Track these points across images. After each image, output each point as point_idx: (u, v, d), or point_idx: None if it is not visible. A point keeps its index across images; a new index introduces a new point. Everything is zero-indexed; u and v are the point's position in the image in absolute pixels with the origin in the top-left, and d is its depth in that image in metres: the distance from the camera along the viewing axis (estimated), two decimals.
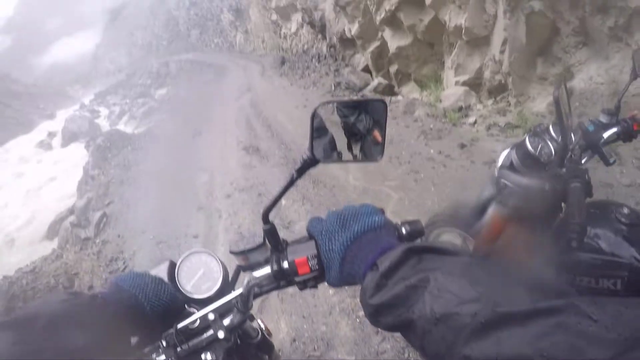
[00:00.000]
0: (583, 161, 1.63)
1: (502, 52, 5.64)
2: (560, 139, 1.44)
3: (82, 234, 7.44)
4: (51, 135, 26.00)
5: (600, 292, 1.41)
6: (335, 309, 3.30)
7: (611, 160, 1.69)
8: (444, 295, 0.58)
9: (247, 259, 1.04)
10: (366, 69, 9.99)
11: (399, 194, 4.61)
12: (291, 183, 0.98)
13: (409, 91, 8.36)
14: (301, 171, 0.98)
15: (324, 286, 2.99)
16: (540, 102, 5.35)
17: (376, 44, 9.07)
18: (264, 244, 1.03)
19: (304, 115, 8.79)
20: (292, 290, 3.31)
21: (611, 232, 1.42)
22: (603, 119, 1.79)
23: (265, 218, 1.01)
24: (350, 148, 1.09)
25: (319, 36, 13.06)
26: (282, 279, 0.98)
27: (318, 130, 1.02)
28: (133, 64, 49.16)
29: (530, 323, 0.48)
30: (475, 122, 5.83)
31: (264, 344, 1.29)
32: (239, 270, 1.13)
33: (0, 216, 15.37)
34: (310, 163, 0.97)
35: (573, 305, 0.47)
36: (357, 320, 3.14)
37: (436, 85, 7.51)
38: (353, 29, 9.60)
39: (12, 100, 39.57)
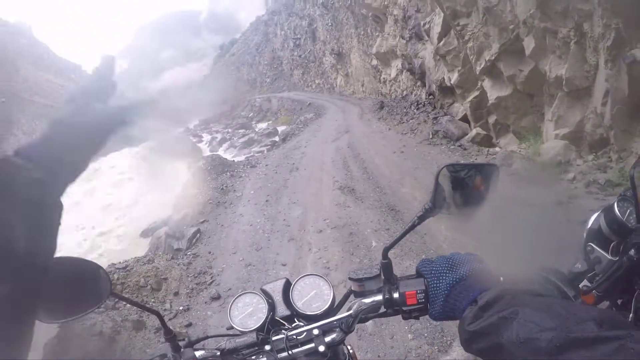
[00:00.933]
0: None
1: (603, 104, 5.49)
2: None
3: (174, 245, 7.85)
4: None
5: None
6: (412, 354, 3.37)
7: None
8: (528, 324, 0.69)
9: (362, 286, 1.16)
10: (464, 119, 9.98)
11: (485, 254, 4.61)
12: (412, 227, 1.11)
13: (507, 143, 8.28)
14: (422, 218, 1.09)
15: (403, 330, 3.21)
16: None
17: (475, 93, 9.10)
18: (379, 275, 1.16)
19: (401, 160, 8.95)
20: (372, 329, 3.48)
21: None
22: None
23: (384, 254, 1.14)
24: (463, 204, 1.17)
25: (418, 83, 13.21)
26: (390, 307, 1.10)
27: (442, 185, 1.12)
28: (237, 97, 51.41)
29: (595, 347, 0.60)
30: (574, 178, 5.71)
31: None
32: (347, 295, 1.24)
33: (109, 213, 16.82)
34: (430, 212, 1.09)
35: (630, 334, 0.59)
36: None
37: (535, 137, 7.36)
38: (452, 78, 9.68)
39: None
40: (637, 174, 1.29)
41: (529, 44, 6.79)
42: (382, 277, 1.15)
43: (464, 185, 1.15)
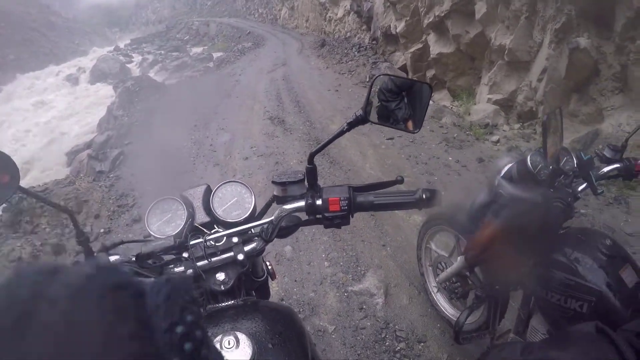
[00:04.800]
0: (580, 188, 1.70)
1: (539, 80, 5.65)
2: (550, 162, 1.51)
3: (97, 167, 7.60)
4: (80, 70, 25.98)
5: (566, 312, 1.51)
6: (327, 280, 3.42)
7: (599, 191, 1.72)
8: None
9: (285, 190, 1.14)
10: (403, 68, 9.95)
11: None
12: (341, 133, 1.10)
13: (441, 98, 8.35)
14: (351, 125, 1.09)
15: (320, 258, 3.11)
16: (565, 137, 5.23)
17: (418, 45, 9.06)
18: (303, 180, 1.14)
19: (335, 98, 8.90)
20: (290, 254, 3.42)
21: (589, 259, 1.51)
22: (607, 153, 1.84)
23: (310, 159, 1.12)
24: (395, 117, 1.22)
25: (364, 27, 13.00)
26: (312, 213, 1.10)
27: (373, 95, 1.14)
28: (174, 18, 49.09)
29: None
30: (498, 141, 5.86)
31: (264, 288, 1.38)
32: (270, 204, 1.24)
33: (21, 139, 15.60)
34: (360, 120, 1.08)
35: None
36: (345, 294, 3.21)
37: (468, 98, 7.51)
38: (399, 27, 9.55)
39: (49, 31, 39.60)
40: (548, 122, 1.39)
41: (480, 8, 6.78)
42: (307, 183, 1.14)
43: (397, 98, 1.19)
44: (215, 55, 21.52)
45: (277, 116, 8.06)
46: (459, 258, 2.26)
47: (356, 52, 11.93)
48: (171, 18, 51.41)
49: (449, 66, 8.10)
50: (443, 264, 2.63)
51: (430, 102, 7.13)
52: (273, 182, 1.15)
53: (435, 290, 2.85)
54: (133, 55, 30.54)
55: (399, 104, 1.21)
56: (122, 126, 9.73)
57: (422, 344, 2.76)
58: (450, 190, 4.68)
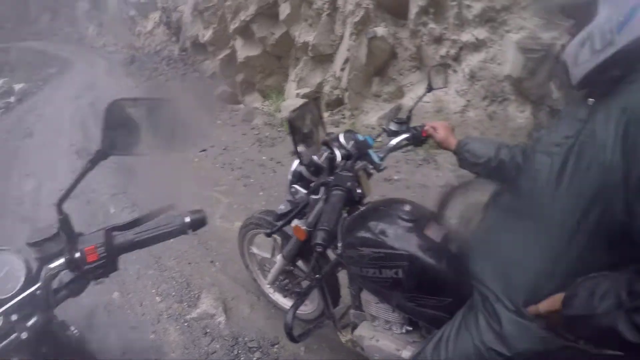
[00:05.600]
0: (357, 167, 1.72)
1: (342, 69, 5.89)
2: (305, 159, 1.53)
3: None
4: None
5: (385, 281, 1.54)
6: (163, 316, 3.14)
7: (381, 167, 1.80)
8: None
9: (43, 250, 1.02)
10: (214, 76, 9.74)
11: (228, 198, 4.57)
12: (84, 173, 1.00)
13: (252, 100, 8.35)
14: (94, 161, 1.00)
15: (150, 294, 2.83)
16: (372, 116, 5.65)
17: (227, 52, 8.95)
18: (58, 234, 1.03)
19: None
20: (119, 300, 3.13)
21: (393, 227, 1.55)
22: (393, 127, 1.99)
23: (59, 209, 1.02)
24: (139, 142, 1.10)
25: (173, 38, 12.48)
26: (75, 269, 0.98)
27: (112, 124, 1.04)
28: None
29: None
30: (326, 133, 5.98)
31: (81, 353, 1.20)
32: (41, 266, 1.04)
33: None
34: (102, 155, 1.00)
35: None
36: (185, 324, 3.04)
37: (278, 96, 7.59)
38: (207, 35, 9.38)
39: None
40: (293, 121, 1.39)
41: (284, 9, 6.94)
42: (64, 235, 1.04)
43: (139, 121, 1.10)
44: (17, 87, 19.08)
45: (84, 148, 7.22)
46: (278, 257, 2.23)
47: (166, 66, 11.50)
48: None
49: (257, 68, 8.09)
50: (268, 265, 2.62)
51: (242, 105, 7.15)
52: (27, 244, 1.02)
53: (271, 291, 2.81)
54: None
55: (141, 126, 1.12)
56: None
57: (276, 346, 2.68)
58: (269, 188, 4.65)
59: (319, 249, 1.29)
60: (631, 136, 0.90)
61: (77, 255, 0.97)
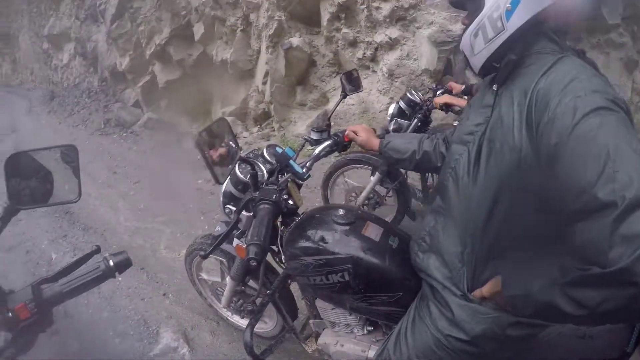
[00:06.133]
0: (281, 180, 1.75)
1: (264, 83, 5.87)
2: (220, 178, 1.50)
3: None
4: None
5: (333, 286, 1.54)
6: (127, 357, 3.03)
7: (305, 176, 1.81)
8: None
9: None
10: (137, 104, 9.50)
11: (170, 227, 4.42)
12: None
13: (180, 124, 8.19)
14: (4, 219, 1.01)
15: (109, 337, 2.59)
16: (300, 125, 5.64)
17: (147, 78, 8.73)
18: None
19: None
20: (80, 351, 2.92)
21: (331, 233, 1.56)
22: (314, 136, 1.97)
23: None
24: (47, 192, 1.12)
25: (91, 69, 11.93)
26: (12, 327, 0.95)
27: (18, 177, 1.05)
28: None
29: None
30: (241, 149, 5.93)
31: None
32: None
33: None
34: (11, 211, 1.02)
35: None
36: None
37: (205, 117, 7.49)
38: (124, 63, 9.10)
39: None
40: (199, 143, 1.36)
41: (198, 29, 6.87)
42: None
43: (42, 172, 1.10)
44: None
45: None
46: (227, 279, 2.22)
47: (87, 99, 11.00)
48: None
49: (180, 91, 7.89)
50: (220, 289, 2.59)
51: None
52: None
53: (229, 314, 2.79)
54: None
55: (46, 177, 1.12)
56: None
57: None
58: (209, 212, 4.57)
59: (253, 264, 1.29)
60: (535, 115, 0.95)
61: (10, 315, 0.96)
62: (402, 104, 2.78)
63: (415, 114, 2.76)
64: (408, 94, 2.77)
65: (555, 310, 0.89)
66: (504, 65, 1.08)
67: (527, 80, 1.01)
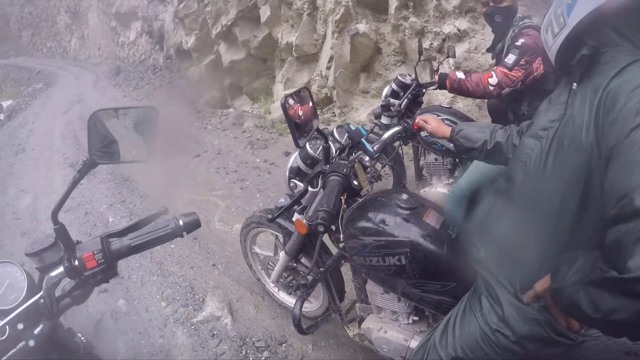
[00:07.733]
0: (351, 157, 1.78)
1: (328, 68, 5.85)
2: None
3: None
4: None
5: (388, 269, 1.56)
6: (170, 320, 3.12)
7: (375, 155, 1.82)
8: None
9: (43, 260, 1.04)
10: (201, 82, 9.57)
11: (225, 202, 4.55)
12: (75, 183, 1.07)
13: (241, 104, 8.30)
14: (82, 172, 1.07)
15: (156, 300, 2.80)
16: (362, 113, 5.62)
17: (211, 57, 8.86)
18: (56, 243, 1.06)
19: None
20: (125, 307, 3.11)
21: (392, 216, 1.57)
22: (385, 120, 2.05)
23: (54, 219, 1.06)
24: (125, 150, 1.16)
25: (157, 47, 12.30)
26: (75, 276, 0.98)
27: (96, 134, 1.09)
28: None
29: None
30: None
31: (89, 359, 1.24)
32: (42, 275, 1.06)
33: None
34: (89, 165, 1.07)
35: None
36: (192, 327, 3.03)
37: (267, 98, 7.52)
38: (190, 42, 9.26)
39: None
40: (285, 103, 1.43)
41: (265, 12, 6.89)
42: (61, 245, 1.07)
43: (125, 130, 1.13)
44: (5, 104, 18.70)
45: (78, 161, 7.09)
46: (281, 254, 2.25)
47: (152, 75, 11.33)
48: None
49: (243, 72, 8.02)
50: (272, 264, 2.62)
51: (231, 109, 7.13)
52: (26, 254, 1.04)
53: (276, 290, 2.83)
54: None
55: (125, 135, 1.16)
56: None
57: (283, 345, 2.67)
58: (265, 190, 4.63)
59: (321, 229, 1.31)
60: (602, 115, 0.92)
61: (76, 263, 0.97)
62: (394, 85, 2.97)
63: (406, 94, 2.90)
64: (399, 77, 2.96)
65: (577, 308, 0.87)
66: (577, 62, 1.05)
67: (601, 79, 0.96)
